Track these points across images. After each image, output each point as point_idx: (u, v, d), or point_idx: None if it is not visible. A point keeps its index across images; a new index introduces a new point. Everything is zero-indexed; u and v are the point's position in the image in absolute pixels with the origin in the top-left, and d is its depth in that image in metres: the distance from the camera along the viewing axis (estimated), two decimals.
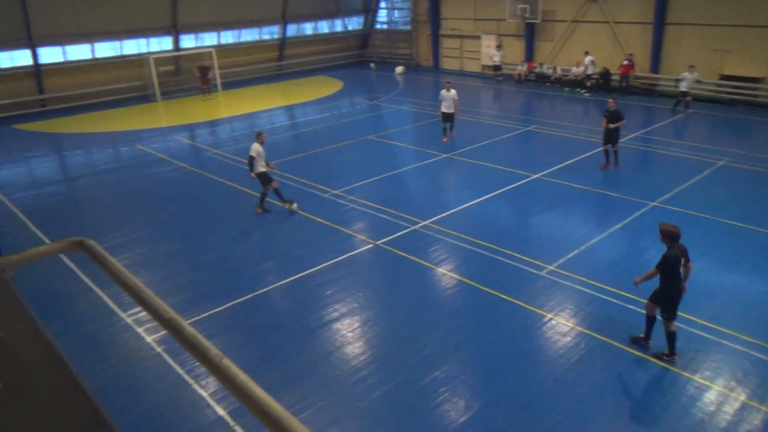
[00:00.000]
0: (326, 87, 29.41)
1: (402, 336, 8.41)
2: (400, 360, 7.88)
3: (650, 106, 23.16)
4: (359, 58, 37.69)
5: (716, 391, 7.08)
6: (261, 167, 12.61)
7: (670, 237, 7.36)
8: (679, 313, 8.55)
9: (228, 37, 31.24)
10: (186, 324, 1.51)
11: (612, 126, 14.73)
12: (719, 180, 14.26)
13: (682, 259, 7.33)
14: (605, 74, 25.76)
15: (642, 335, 7.95)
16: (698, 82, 21.81)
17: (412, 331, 8.52)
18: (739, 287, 9.38)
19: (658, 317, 7.66)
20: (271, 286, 9.97)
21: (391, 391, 7.27)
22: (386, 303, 9.38)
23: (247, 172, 12.96)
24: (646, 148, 17.65)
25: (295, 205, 12.94)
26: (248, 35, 32.09)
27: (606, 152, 15.29)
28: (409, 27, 35.07)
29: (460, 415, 6.82)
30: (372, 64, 35.58)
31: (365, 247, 11.21)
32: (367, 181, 14.95)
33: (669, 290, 7.41)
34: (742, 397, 6.96)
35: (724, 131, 19.53)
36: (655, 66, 24.98)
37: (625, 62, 24.72)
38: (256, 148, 12.55)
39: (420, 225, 12.08)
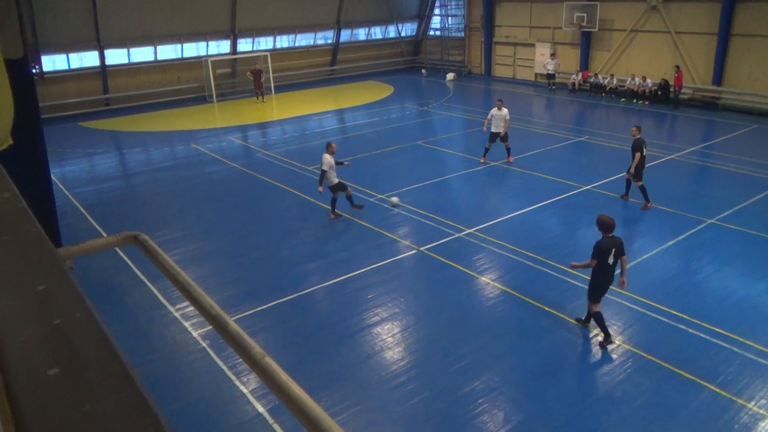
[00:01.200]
0: (377, 92, 29.62)
1: (442, 344, 8.36)
2: (440, 368, 7.82)
3: (711, 120, 22.28)
4: (411, 64, 37.80)
5: None
6: (334, 178, 12.37)
7: (603, 227, 7.96)
8: (737, 338, 8.21)
9: (283, 41, 31.93)
10: (231, 320, 1.56)
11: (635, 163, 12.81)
12: None
13: (613, 250, 7.86)
14: (664, 86, 24.93)
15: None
16: None
17: (453, 339, 8.45)
18: None
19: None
20: (315, 287, 10.09)
21: (429, 398, 7.23)
22: (428, 309, 9.34)
23: (301, 177, 13.00)
24: (705, 162, 16.98)
25: (395, 199, 13.34)
26: (303, 40, 32.70)
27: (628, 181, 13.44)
28: (462, 34, 34.94)
29: (498, 428, 6.71)
30: (423, 70, 35.61)
31: (409, 253, 11.20)
32: (414, 186, 14.95)
33: (597, 276, 7.97)
34: None
35: None
36: (718, 79, 24.00)
37: (676, 74, 23.90)
38: (328, 160, 12.08)
39: (465, 233, 11.99)
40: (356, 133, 21.71)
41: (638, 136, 12.94)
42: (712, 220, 12.31)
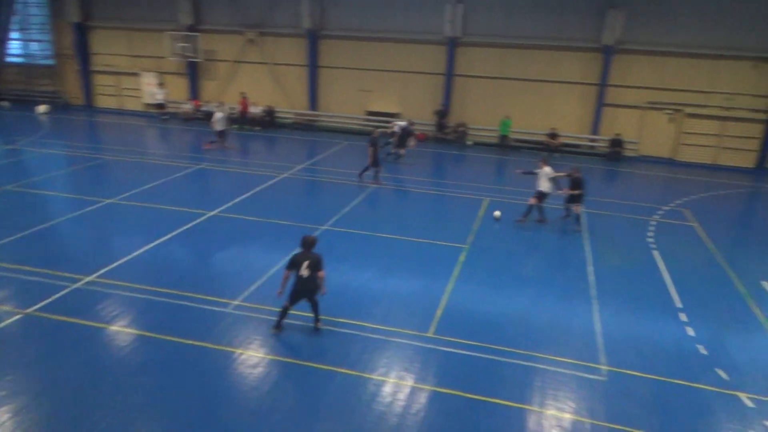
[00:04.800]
0: None
1: (71, 415, 7.11)
2: None
3: (313, 140, 25.41)
4: None
5: (391, 384, 7.98)
6: None
7: (301, 242, 8.97)
8: (356, 322, 9.45)
9: None
10: None
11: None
12: (374, 201, 16.42)
13: (306, 262, 8.71)
14: (270, 112, 27.31)
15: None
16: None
17: (85, 405, 7.30)
18: (400, 289, 10.84)
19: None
20: None
21: None
22: (46, 381, 7.80)
23: None
24: (313, 177, 19.22)
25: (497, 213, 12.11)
26: None
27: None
28: (51, 62, 30.99)
29: None
30: (5, 103, 30.24)
31: (10, 320, 9.19)
32: (8, 239, 12.41)
33: (294, 283, 8.90)
34: (411, 383, 8.00)
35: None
36: (314, 104, 27.61)
37: (241, 99, 26.91)
38: None
39: (84, 282, 10.56)
40: None
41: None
42: (325, 227, 13.99)
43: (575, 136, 25.03)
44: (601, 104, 24.24)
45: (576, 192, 14.51)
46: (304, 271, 8.69)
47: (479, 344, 9.03)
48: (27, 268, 11.01)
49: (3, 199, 15.28)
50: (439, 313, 10.00)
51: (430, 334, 9.27)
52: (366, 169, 18.04)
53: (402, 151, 21.59)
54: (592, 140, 24.88)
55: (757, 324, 10.31)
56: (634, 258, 13.08)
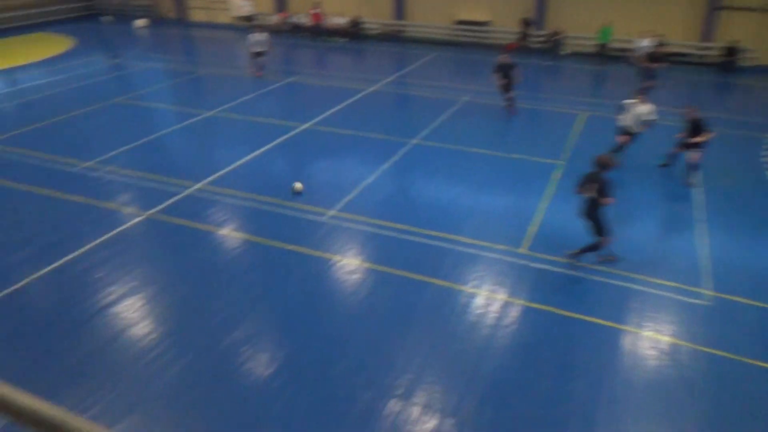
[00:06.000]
0: (53, 46, 25.25)
1: (193, 305, 7.95)
2: (195, 329, 7.47)
3: (401, 51, 24.84)
4: (89, 11, 33.01)
5: (483, 296, 8.19)
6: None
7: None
8: (447, 236, 9.61)
9: None
10: None
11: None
12: (464, 115, 16.10)
13: (591, 185, 8.42)
14: (356, 22, 26.80)
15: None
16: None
17: (204, 297, 8.11)
18: (492, 205, 10.83)
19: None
20: (27, 280, 8.48)
21: (192, 362, 6.88)
22: (170, 275, 8.71)
23: None
24: (401, 90, 19.00)
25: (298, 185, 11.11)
26: None
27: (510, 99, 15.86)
28: None
29: (265, 369, 6.79)
30: (109, 17, 31.50)
31: (135, 220, 10.16)
32: (125, 148, 13.43)
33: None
34: (502, 296, 8.17)
35: (463, 71, 21.94)
36: (400, 14, 26.73)
37: (312, 11, 26.19)
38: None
39: (193, 188, 11.36)
40: (38, 95, 18.27)
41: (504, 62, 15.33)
42: (415, 141, 13.98)
43: (682, 44, 22.84)
44: (713, 7, 21.77)
45: (697, 139, 11.44)
46: (588, 193, 8.36)
47: (573, 263, 8.97)
48: (142, 174, 11.95)
49: (114, 112, 16.38)
50: (532, 230, 9.95)
51: (522, 250, 9.31)
52: (510, 99, 16.06)
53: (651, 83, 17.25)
54: (703, 48, 22.63)
55: None
56: (746, 178, 12.20)
